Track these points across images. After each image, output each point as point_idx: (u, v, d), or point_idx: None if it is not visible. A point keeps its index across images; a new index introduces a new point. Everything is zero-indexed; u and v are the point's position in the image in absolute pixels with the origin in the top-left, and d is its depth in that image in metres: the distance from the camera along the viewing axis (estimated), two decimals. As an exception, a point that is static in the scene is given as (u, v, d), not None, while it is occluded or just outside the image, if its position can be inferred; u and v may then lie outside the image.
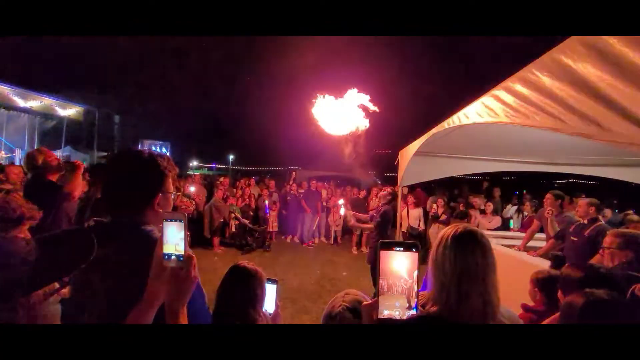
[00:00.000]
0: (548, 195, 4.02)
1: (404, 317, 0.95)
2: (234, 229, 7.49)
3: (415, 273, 0.97)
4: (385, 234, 4.45)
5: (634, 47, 1.15)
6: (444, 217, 6.42)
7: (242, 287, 1.49)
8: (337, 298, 1.29)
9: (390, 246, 1.00)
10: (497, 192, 6.98)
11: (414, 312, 0.96)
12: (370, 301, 1.05)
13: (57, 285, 0.83)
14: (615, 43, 1.21)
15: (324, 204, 8.82)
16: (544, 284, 1.97)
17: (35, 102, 16.70)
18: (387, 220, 4.49)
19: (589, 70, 1.30)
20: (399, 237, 5.94)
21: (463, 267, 0.92)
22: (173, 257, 0.86)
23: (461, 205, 6.71)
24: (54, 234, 1.01)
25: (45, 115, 17.63)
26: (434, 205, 7.15)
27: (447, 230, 1.02)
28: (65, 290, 0.82)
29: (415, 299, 0.97)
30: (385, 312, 0.97)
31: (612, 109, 1.20)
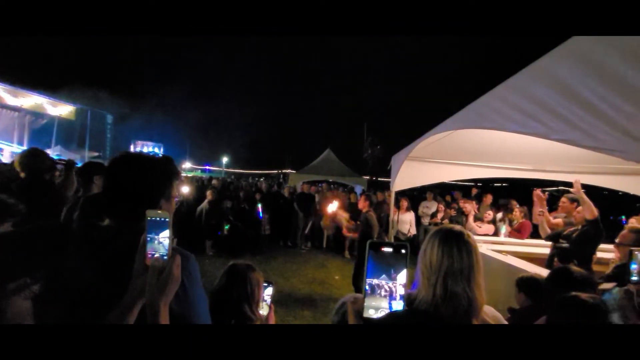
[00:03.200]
0: (563, 199, 3.95)
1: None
2: (226, 232, 7.44)
3: (403, 274, 0.99)
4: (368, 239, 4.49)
5: (619, 55, 1.19)
6: (446, 221, 6.45)
7: (239, 285, 1.49)
8: (346, 304, 1.30)
9: (378, 246, 1.01)
10: (488, 199, 7.00)
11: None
12: (356, 300, 1.06)
13: (28, 280, 0.80)
14: (601, 51, 1.25)
15: (317, 207, 8.82)
16: (527, 286, 2.00)
17: (26, 100, 16.49)
18: (369, 226, 4.53)
19: (575, 78, 1.34)
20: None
21: (449, 265, 0.95)
22: (156, 255, 0.86)
23: (452, 210, 6.77)
24: (25, 229, 0.98)
25: (36, 113, 17.40)
26: (426, 209, 7.20)
27: (435, 229, 1.05)
28: (37, 287, 0.80)
29: (401, 302, 0.98)
30: (370, 312, 0.98)
31: (597, 116, 1.23)
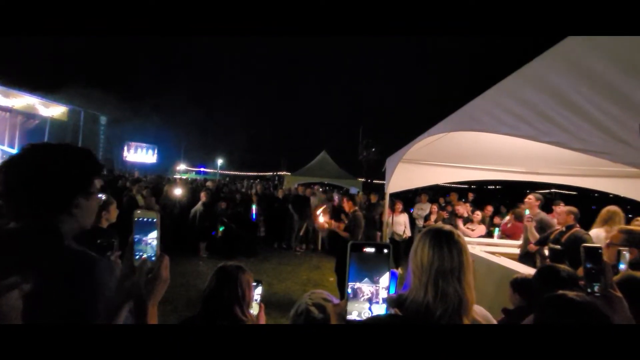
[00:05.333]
0: (529, 197, 4.32)
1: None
2: (220, 234, 7.40)
3: (386, 277, 0.98)
4: (353, 238, 4.62)
5: (607, 60, 1.21)
6: (439, 223, 6.49)
7: (229, 286, 1.49)
8: (303, 297, 1.32)
9: (360, 247, 0.98)
10: (488, 211, 6.90)
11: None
12: (339, 302, 1.06)
13: (18, 279, 0.77)
14: (589, 55, 1.28)
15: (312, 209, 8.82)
16: (522, 287, 2.00)
17: (18, 101, 16.28)
18: (356, 225, 4.64)
19: (564, 81, 1.36)
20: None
21: (439, 265, 0.95)
22: (144, 256, 0.84)
23: (444, 213, 6.82)
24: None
25: (28, 114, 17.19)
26: (421, 211, 7.24)
27: (425, 229, 1.06)
28: (28, 286, 0.78)
29: (383, 305, 0.98)
30: (353, 315, 0.98)
31: (585, 119, 1.26)
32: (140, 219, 0.85)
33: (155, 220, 0.86)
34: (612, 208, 3.36)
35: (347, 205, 5.13)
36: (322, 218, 5.22)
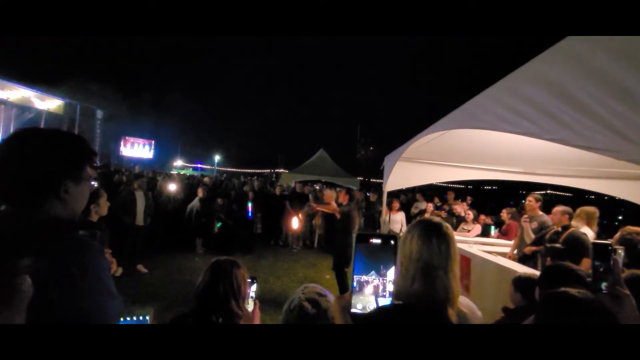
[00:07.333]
0: (529, 198, 4.30)
1: None
2: (217, 230, 7.35)
3: (393, 269, 0.97)
4: (347, 231, 4.63)
5: (610, 56, 1.20)
6: (428, 216, 6.51)
7: (224, 281, 1.47)
8: (296, 292, 1.31)
9: (366, 239, 0.98)
10: (481, 220, 6.89)
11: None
12: (343, 295, 1.05)
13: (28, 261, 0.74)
14: (592, 52, 1.26)
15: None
16: (524, 286, 1.97)
17: (13, 93, 16.09)
18: (350, 218, 4.71)
19: (567, 78, 1.35)
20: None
21: (427, 256, 0.96)
22: None
23: (442, 212, 6.83)
24: None
25: (23, 107, 16.98)
26: (417, 210, 7.25)
27: (415, 221, 1.07)
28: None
29: (390, 299, 0.97)
30: (358, 307, 0.97)
31: (588, 116, 1.24)
32: (128, 321, 0.73)
33: (148, 318, 0.74)
34: (586, 208, 3.69)
35: (342, 197, 5.16)
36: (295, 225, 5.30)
